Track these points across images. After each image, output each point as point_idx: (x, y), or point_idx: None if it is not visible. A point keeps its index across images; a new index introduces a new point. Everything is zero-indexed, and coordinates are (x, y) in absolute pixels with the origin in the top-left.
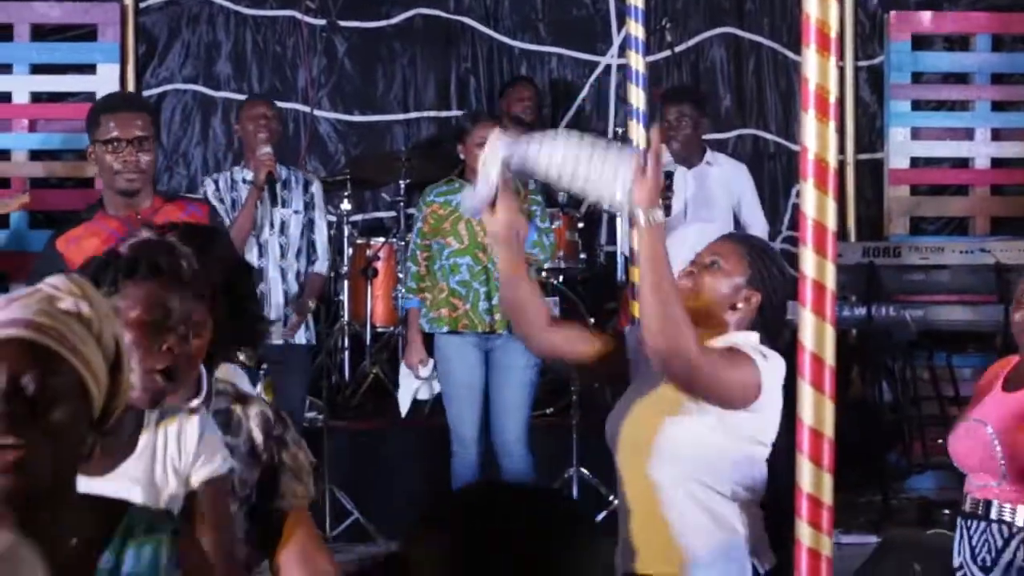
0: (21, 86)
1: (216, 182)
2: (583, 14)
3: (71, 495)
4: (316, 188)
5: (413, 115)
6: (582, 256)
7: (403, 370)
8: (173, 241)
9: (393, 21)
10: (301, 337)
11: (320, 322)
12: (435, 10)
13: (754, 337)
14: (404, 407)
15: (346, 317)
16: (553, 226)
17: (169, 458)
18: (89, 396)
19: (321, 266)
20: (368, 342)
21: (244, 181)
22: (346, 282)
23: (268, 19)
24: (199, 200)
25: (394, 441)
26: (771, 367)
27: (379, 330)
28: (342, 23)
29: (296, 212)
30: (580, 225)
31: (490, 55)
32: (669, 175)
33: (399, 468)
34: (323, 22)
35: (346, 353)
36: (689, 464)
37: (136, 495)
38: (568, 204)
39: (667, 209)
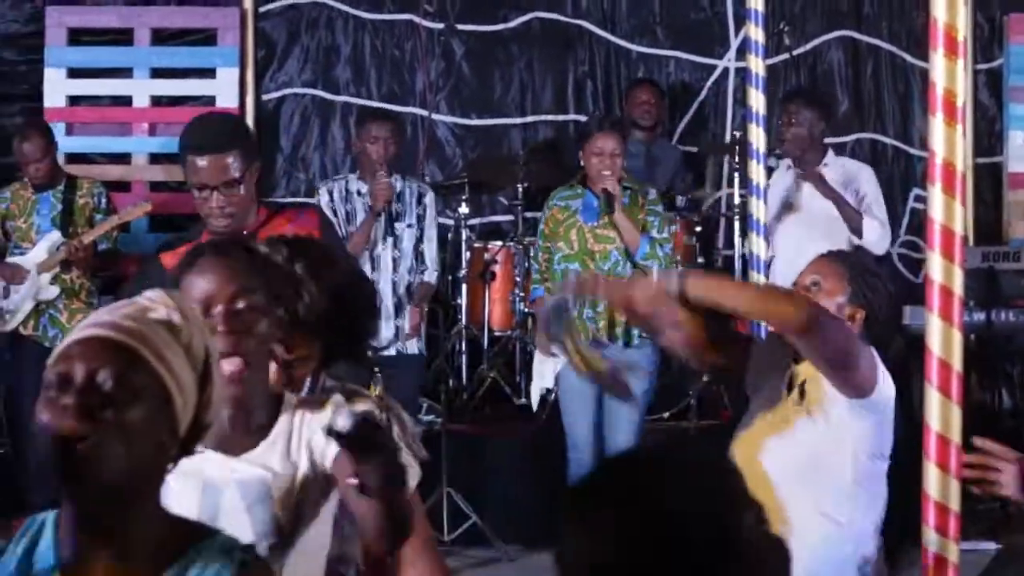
0: (142, 90)
1: (331, 192)
2: (701, 17)
3: (148, 505)
4: (429, 199)
5: (530, 119)
6: (699, 260)
7: (537, 358)
8: (300, 275)
9: (511, 24)
10: (413, 347)
11: (438, 326)
12: (553, 13)
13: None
14: (535, 397)
15: (463, 321)
16: (671, 230)
17: (304, 442)
18: (172, 403)
19: (430, 276)
20: (485, 346)
21: (359, 193)
22: (464, 286)
23: (386, 23)
24: (308, 207)
25: (511, 445)
26: (885, 377)
27: (496, 334)
28: (460, 27)
29: (409, 226)
30: (698, 229)
31: (607, 59)
32: (770, 170)
33: (516, 471)
34: (441, 26)
35: (463, 357)
36: (802, 485)
37: (269, 478)
38: (686, 208)
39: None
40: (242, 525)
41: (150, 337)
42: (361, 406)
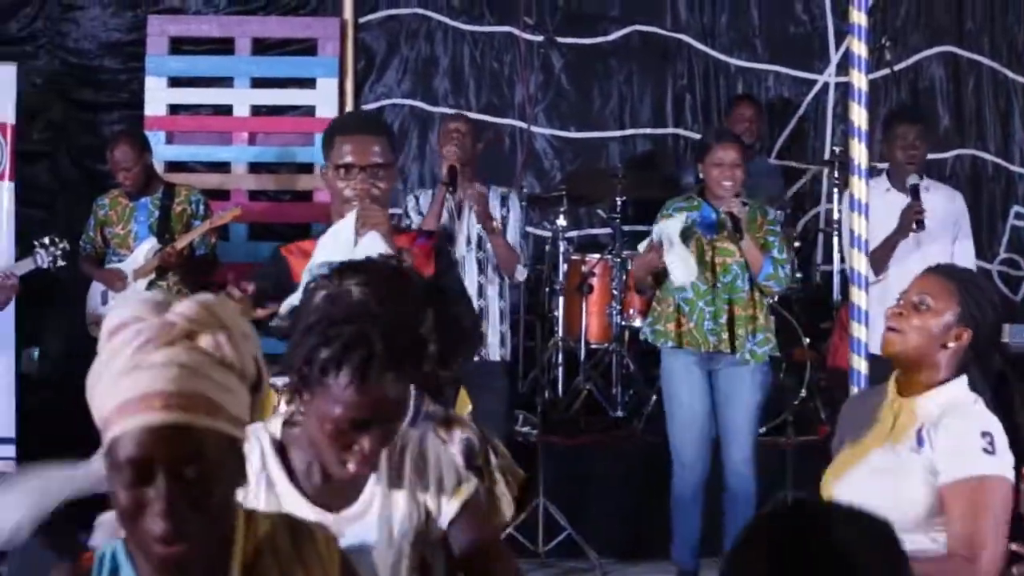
0: (242, 99)
1: (417, 198)
2: (801, 31)
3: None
4: (513, 202)
5: (629, 132)
6: (798, 275)
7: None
8: (423, 335)
9: (610, 38)
10: (496, 353)
11: (535, 338)
12: (652, 27)
13: (964, 384)
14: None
15: (560, 333)
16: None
17: (407, 485)
18: (238, 443)
19: (520, 273)
20: (582, 358)
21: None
22: (561, 298)
23: (486, 35)
24: (433, 234)
25: (608, 457)
26: (1003, 457)
27: (593, 346)
28: (560, 39)
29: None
30: (796, 244)
31: (706, 72)
32: (916, 188)
33: (612, 484)
34: (541, 38)
35: (560, 369)
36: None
37: (371, 549)
38: (784, 223)
39: (920, 224)
40: None
41: (213, 398)
42: (459, 434)
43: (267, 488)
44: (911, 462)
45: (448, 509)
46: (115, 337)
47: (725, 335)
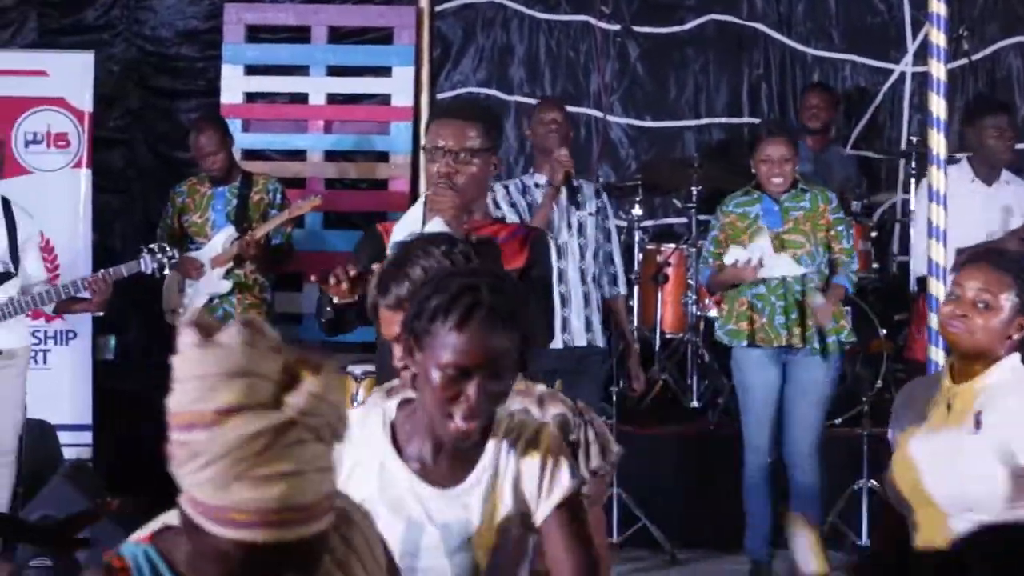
0: (318, 88)
1: (507, 187)
2: (878, 21)
3: None
4: (604, 197)
5: (704, 121)
6: (874, 266)
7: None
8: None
9: (687, 26)
10: (601, 340)
11: (610, 327)
12: (729, 16)
13: (1017, 360)
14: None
15: (635, 322)
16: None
17: (508, 480)
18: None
19: (623, 287)
20: (657, 348)
21: (537, 185)
22: (636, 288)
23: (562, 23)
24: (532, 229)
25: (682, 447)
26: None
27: (668, 336)
28: (636, 28)
29: (591, 214)
30: (873, 235)
31: (783, 62)
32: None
33: (687, 475)
34: (617, 27)
35: None
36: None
37: (472, 527)
38: (861, 214)
39: None
40: (442, 570)
41: (324, 496)
42: (553, 409)
43: (379, 467)
44: (973, 444)
45: (544, 507)
46: (224, 426)
47: (797, 329)
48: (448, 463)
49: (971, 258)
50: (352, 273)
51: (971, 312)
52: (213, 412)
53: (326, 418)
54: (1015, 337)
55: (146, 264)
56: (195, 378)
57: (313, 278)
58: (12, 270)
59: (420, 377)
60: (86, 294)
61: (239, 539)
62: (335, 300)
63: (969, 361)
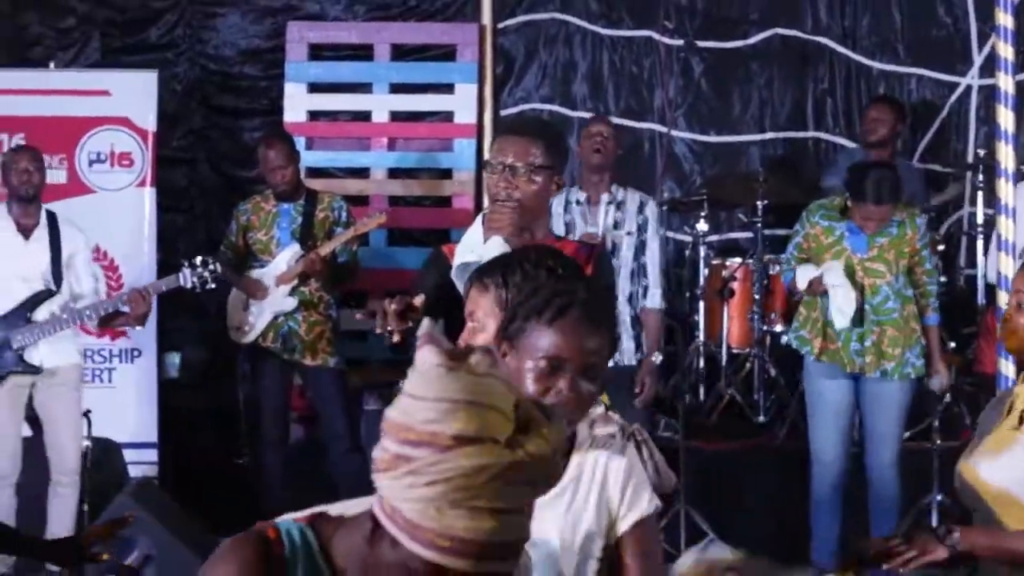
0: (381, 105)
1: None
2: (943, 34)
3: None
4: (651, 210)
5: (769, 135)
6: (942, 279)
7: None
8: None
9: (751, 41)
10: (631, 358)
11: (676, 342)
12: (793, 30)
13: None
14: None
15: (701, 337)
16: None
17: (594, 490)
18: None
19: (654, 300)
20: (723, 363)
21: (577, 203)
22: (701, 303)
23: (625, 39)
24: (595, 247)
25: (749, 462)
26: None
27: (735, 351)
28: (699, 43)
29: (628, 234)
30: (940, 248)
31: (848, 76)
32: None
33: (754, 489)
34: (681, 42)
35: (701, 374)
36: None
37: (556, 548)
38: (927, 225)
39: None
40: None
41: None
42: (604, 429)
43: None
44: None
45: (623, 523)
46: (456, 452)
47: (871, 357)
48: None
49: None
50: (396, 308)
51: (1014, 312)
52: (450, 437)
53: (549, 469)
54: None
55: (185, 279)
56: (437, 399)
57: (359, 316)
58: (53, 287)
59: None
60: (126, 308)
61: (436, 562)
62: (389, 336)
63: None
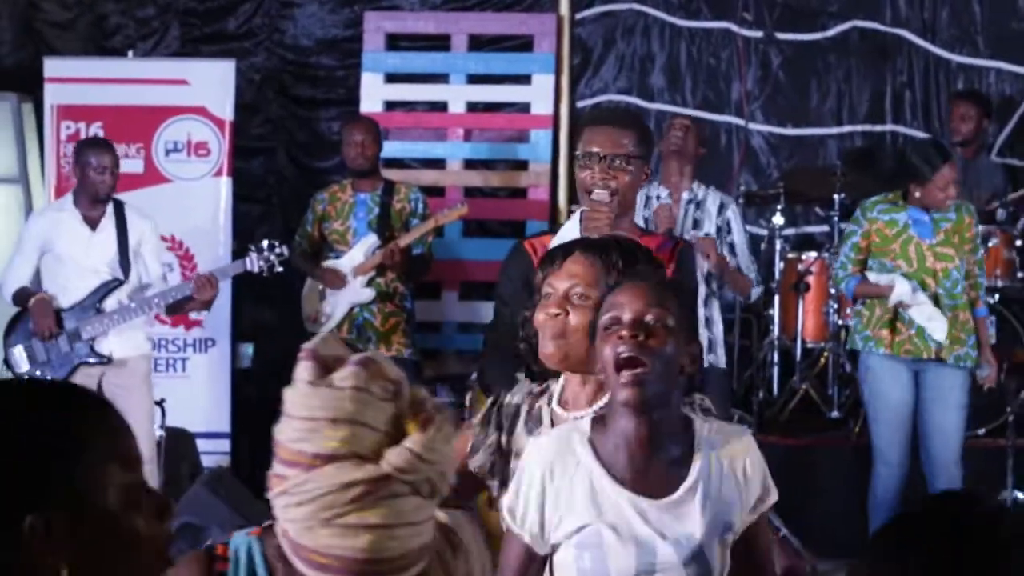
0: (457, 96)
1: (649, 197)
2: (1023, 27)
3: None
4: (732, 212)
5: (847, 129)
6: (1019, 275)
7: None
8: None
9: (829, 33)
10: (721, 361)
11: (750, 337)
12: (872, 23)
13: None
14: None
15: (776, 331)
16: (990, 244)
17: (725, 480)
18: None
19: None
20: (798, 358)
21: (658, 198)
22: (776, 296)
23: (703, 31)
24: (678, 238)
25: (824, 458)
26: None
27: (809, 346)
28: (778, 35)
29: (707, 235)
30: (1018, 243)
31: (926, 69)
32: None
33: (828, 485)
34: (759, 34)
35: (775, 368)
36: None
37: (696, 519)
38: (1005, 221)
39: None
40: None
41: (409, 550)
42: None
43: (590, 489)
44: None
45: (749, 515)
46: (320, 471)
47: (949, 342)
48: (659, 470)
49: None
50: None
51: None
52: (312, 456)
53: (424, 475)
54: None
55: (252, 263)
56: (302, 418)
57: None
58: (121, 276)
59: (601, 365)
60: (194, 294)
61: None
62: None
63: None
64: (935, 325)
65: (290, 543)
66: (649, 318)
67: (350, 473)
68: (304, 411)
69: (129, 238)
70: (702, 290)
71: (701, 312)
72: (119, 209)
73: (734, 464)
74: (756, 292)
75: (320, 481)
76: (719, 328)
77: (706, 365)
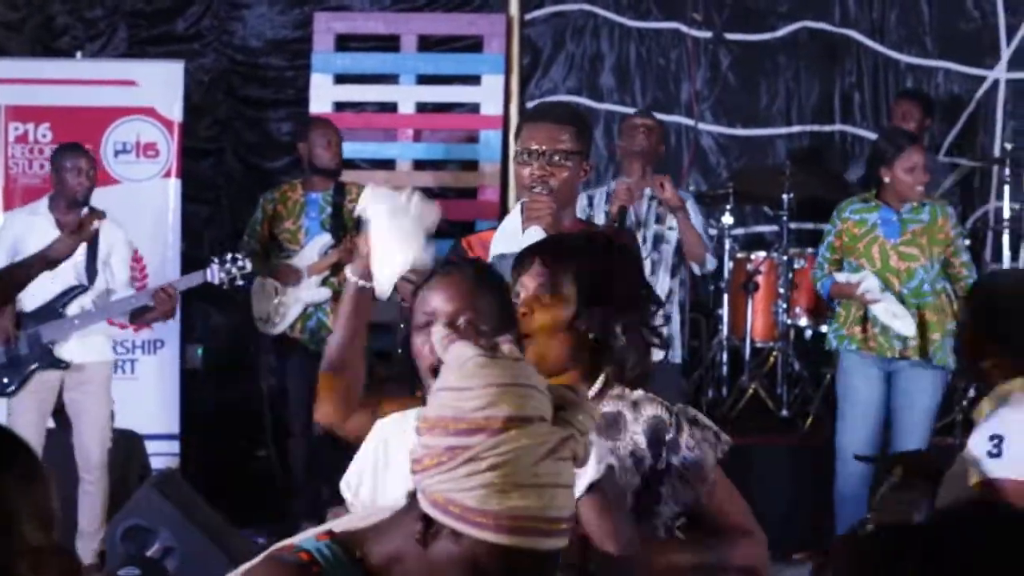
0: (407, 96)
1: (591, 197)
2: (971, 27)
3: None
4: (690, 205)
5: (796, 129)
6: None
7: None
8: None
9: (778, 34)
10: (677, 356)
11: (700, 336)
12: (821, 23)
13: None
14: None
15: (725, 331)
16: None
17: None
18: None
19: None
20: (747, 357)
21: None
22: (726, 296)
23: (652, 31)
24: (621, 232)
25: (772, 457)
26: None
27: (758, 345)
28: (727, 35)
29: (671, 228)
30: (966, 242)
31: (875, 69)
32: None
33: (776, 484)
34: (708, 35)
35: (724, 368)
36: None
37: None
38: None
39: None
40: None
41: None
42: (648, 412)
43: None
44: None
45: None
46: (512, 433)
47: (913, 342)
48: None
49: None
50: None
51: None
52: (504, 419)
53: (586, 441)
54: None
55: (212, 274)
56: (485, 386)
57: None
58: (86, 282)
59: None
60: (153, 304)
61: (503, 544)
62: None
63: None
64: (900, 323)
65: (468, 512)
66: (462, 320)
67: (542, 433)
68: (486, 380)
69: (100, 246)
70: (665, 285)
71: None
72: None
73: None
74: (711, 261)
75: (516, 442)
76: (676, 325)
77: (657, 360)
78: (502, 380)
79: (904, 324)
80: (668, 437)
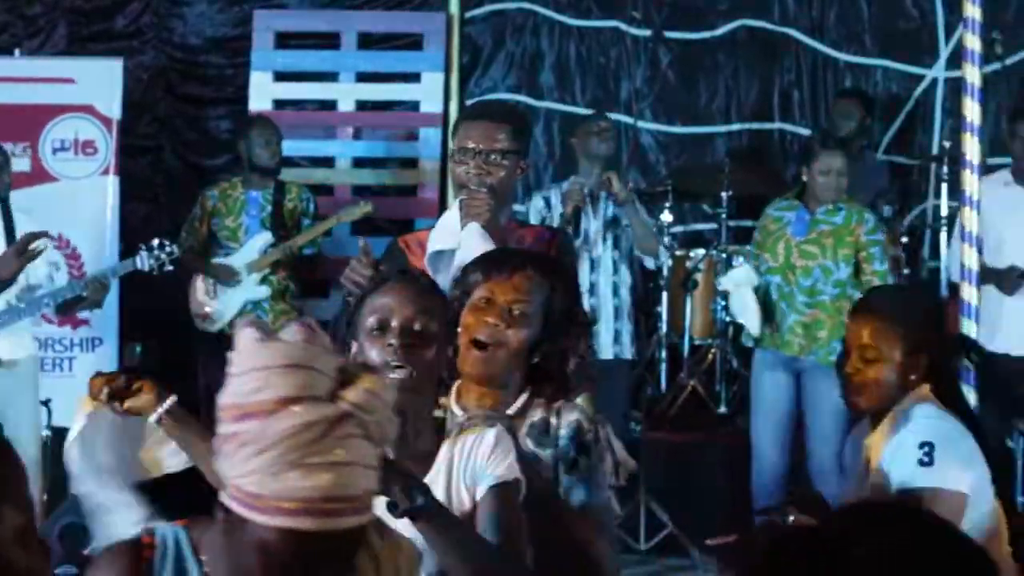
0: (347, 94)
1: (547, 199)
2: (911, 26)
3: None
4: (638, 204)
5: (735, 127)
6: (905, 271)
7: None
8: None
9: (718, 32)
10: (628, 352)
11: (639, 333)
12: (761, 21)
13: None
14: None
15: (664, 329)
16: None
17: (462, 471)
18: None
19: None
20: (686, 354)
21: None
22: (664, 293)
23: (592, 30)
24: (555, 230)
25: (710, 454)
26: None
27: (697, 342)
28: (667, 34)
29: (627, 226)
30: (904, 240)
31: (814, 67)
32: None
33: (715, 481)
34: (648, 33)
35: (663, 364)
36: None
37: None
38: (891, 217)
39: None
40: None
41: (367, 490)
42: (569, 417)
43: None
44: None
45: (481, 488)
46: (281, 415)
47: (801, 340)
48: (412, 459)
49: None
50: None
51: None
52: (272, 401)
53: (377, 417)
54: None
55: (142, 261)
56: (255, 369)
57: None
58: None
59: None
60: (84, 294)
61: (286, 527)
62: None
63: None
64: (746, 318)
65: (248, 498)
66: (418, 326)
67: (311, 413)
68: (259, 362)
69: (17, 237)
70: (627, 279)
71: (611, 303)
72: (5, 208)
73: (477, 452)
74: (664, 253)
75: (284, 423)
76: (629, 323)
77: (611, 356)
78: (271, 362)
79: (751, 321)
80: (585, 439)
